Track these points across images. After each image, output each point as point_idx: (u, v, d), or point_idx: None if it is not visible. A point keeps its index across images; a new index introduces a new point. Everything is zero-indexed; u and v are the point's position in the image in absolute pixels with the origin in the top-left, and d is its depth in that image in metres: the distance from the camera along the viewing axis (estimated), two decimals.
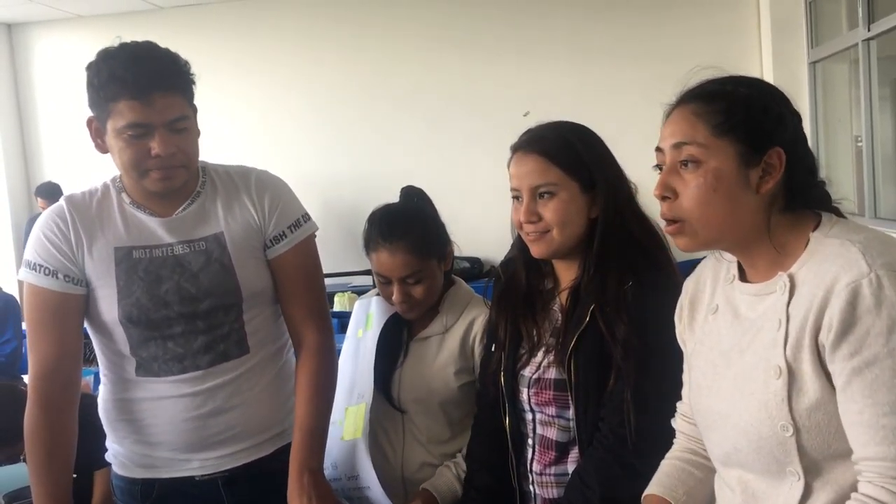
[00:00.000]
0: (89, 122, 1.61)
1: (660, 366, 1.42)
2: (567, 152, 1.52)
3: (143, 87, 1.51)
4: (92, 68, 1.56)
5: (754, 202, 1.14)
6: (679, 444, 1.41)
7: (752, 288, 1.19)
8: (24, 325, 4.90)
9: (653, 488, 1.36)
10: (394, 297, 1.81)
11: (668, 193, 1.16)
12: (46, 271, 1.61)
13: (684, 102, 1.18)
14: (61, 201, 1.67)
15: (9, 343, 4.61)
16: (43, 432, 1.61)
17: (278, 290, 1.72)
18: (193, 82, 1.63)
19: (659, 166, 1.20)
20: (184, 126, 1.58)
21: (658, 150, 1.20)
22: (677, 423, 1.42)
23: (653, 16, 5.92)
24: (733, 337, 1.20)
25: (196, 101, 1.66)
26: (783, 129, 1.14)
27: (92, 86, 1.55)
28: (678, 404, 1.41)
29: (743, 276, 1.23)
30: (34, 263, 1.63)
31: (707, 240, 1.18)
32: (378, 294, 1.93)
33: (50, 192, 6.07)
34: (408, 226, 1.82)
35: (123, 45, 1.56)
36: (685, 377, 1.33)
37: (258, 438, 1.71)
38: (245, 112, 6.40)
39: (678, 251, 1.57)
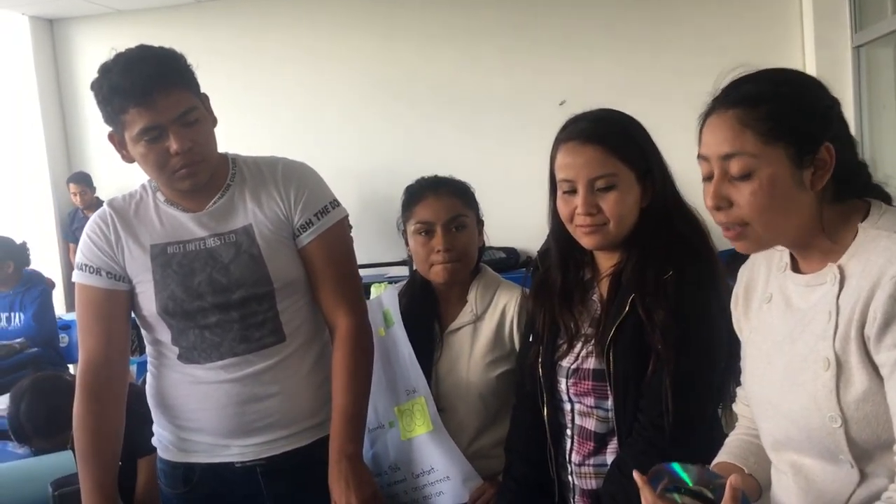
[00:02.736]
0: (111, 137, 1.67)
1: (698, 355, 1.42)
2: (625, 141, 1.49)
3: (142, 92, 1.55)
4: (94, 86, 1.61)
5: (810, 199, 1.13)
6: (742, 426, 1.41)
7: (803, 279, 1.19)
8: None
9: (722, 457, 1.36)
10: (438, 244, 1.81)
11: (722, 203, 1.14)
12: (91, 270, 1.69)
13: (723, 108, 1.15)
14: (104, 205, 1.76)
15: None
16: (90, 421, 1.67)
17: (310, 278, 1.74)
18: (193, 73, 1.64)
19: (707, 177, 1.17)
20: (194, 118, 1.61)
21: (702, 158, 1.17)
22: (738, 407, 1.43)
23: (692, 3, 5.83)
24: (785, 326, 1.20)
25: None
26: (829, 123, 1.13)
27: (100, 103, 1.61)
28: (738, 389, 1.42)
29: (795, 266, 1.22)
30: (81, 264, 1.71)
31: (769, 242, 1.18)
32: (387, 287, 1.95)
33: (81, 179, 6.30)
34: (452, 180, 1.92)
35: (117, 56, 1.60)
36: (742, 364, 1.32)
37: (296, 427, 1.72)
38: (282, 104, 6.43)
39: (719, 241, 1.56)
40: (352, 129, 6.38)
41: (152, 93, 1.55)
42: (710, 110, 1.17)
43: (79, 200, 6.31)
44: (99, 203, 6.23)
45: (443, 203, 1.84)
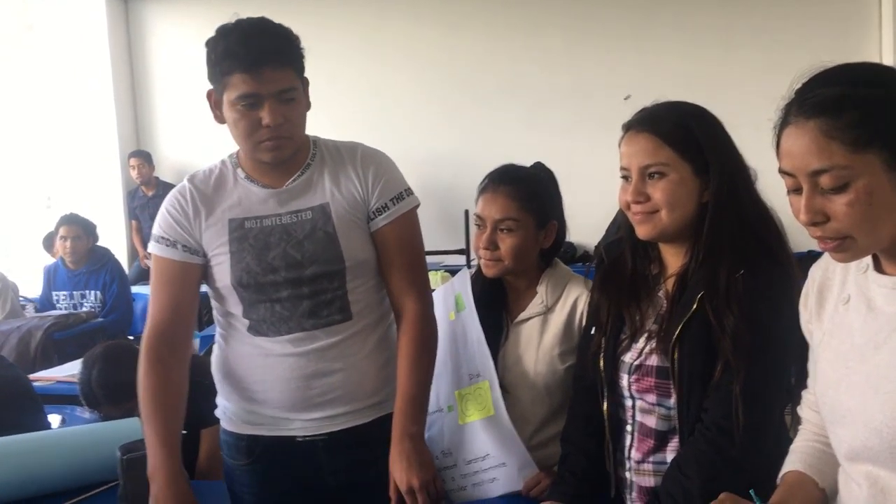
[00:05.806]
0: (209, 95, 1.72)
1: (771, 361, 1.39)
2: (681, 133, 1.48)
3: (253, 62, 1.60)
4: (210, 45, 1.67)
5: None
6: (807, 431, 1.37)
7: (889, 280, 1.13)
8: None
9: (795, 465, 1.32)
10: (481, 241, 1.84)
11: (818, 219, 1.08)
12: (167, 242, 1.75)
13: (803, 118, 1.06)
14: (184, 180, 1.80)
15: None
16: (152, 386, 1.71)
17: (380, 261, 1.78)
18: (303, 56, 1.71)
19: (793, 189, 1.10)
20: (292, 97, 1.66)
21: (786, 173, 1.10)
22: (804, 411, 1.38)
23: (766, 1, 5.71)
24: (867, 331, 1.14)
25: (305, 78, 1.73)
26: None
27: (210, 61, 1.67)
28: (804, 393, 1.37)
29: (877, 266, 1.16)
30: (157, 236, 1.76)
31: (870, 250, 1.12)
32: (460, 270, 1.96)
33: (141, 154, 6.55)
34: (518, 178, 1.89)
35: (238, 22, 1.66)
36: (811, 367, 1.28)
37: (358, 404, 1.76)
38: (345, 92, 6.49)
39: (794, 241, 1.53)
40: (414, 118, 6.43)
41: (262, 65, 1.61)
42: (787, 120, 1.10)
43: (136, 174, 6.52)
44: (157, 181, 6.45)
45: (497, 203, 1.84)
